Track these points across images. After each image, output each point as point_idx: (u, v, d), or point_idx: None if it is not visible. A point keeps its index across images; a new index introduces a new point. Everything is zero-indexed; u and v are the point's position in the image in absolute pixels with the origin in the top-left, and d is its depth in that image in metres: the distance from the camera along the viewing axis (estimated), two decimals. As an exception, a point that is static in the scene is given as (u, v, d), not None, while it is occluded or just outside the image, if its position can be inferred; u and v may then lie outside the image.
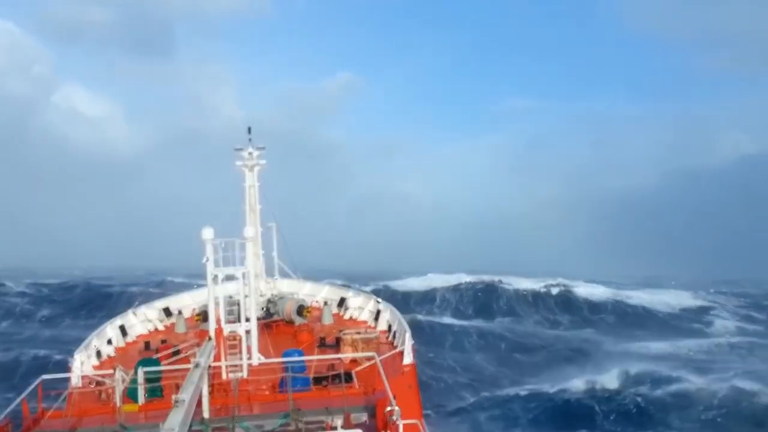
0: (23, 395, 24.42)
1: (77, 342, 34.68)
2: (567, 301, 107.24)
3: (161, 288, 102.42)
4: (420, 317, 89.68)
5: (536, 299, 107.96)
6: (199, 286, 39.11)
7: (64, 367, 31.32)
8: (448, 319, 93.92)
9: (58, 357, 56.66)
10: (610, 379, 54.94)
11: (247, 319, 29.84)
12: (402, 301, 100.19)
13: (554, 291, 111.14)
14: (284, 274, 42.82)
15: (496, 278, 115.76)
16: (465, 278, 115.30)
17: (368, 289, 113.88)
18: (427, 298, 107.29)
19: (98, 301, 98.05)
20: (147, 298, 42.36)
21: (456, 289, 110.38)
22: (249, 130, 39.64)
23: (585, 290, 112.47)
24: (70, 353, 32.49)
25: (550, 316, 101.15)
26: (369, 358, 30.12)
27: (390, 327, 36.02)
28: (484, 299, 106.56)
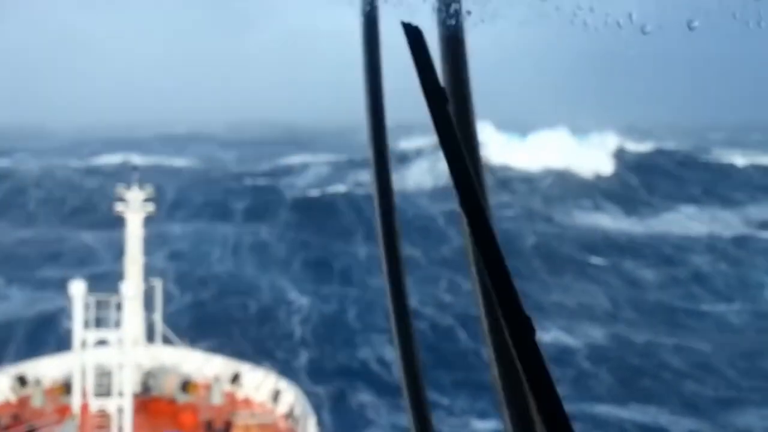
0: None
1: None
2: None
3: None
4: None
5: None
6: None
7: None
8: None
9: None
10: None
11: (121, 394, 28.58)
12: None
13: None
14: (168, 342, 41.10)
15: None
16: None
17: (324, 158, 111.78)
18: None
19: None
20: None
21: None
22: (134, 167, 38.36)
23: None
24: None
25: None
26: None
27: (292, 410, 34.60)
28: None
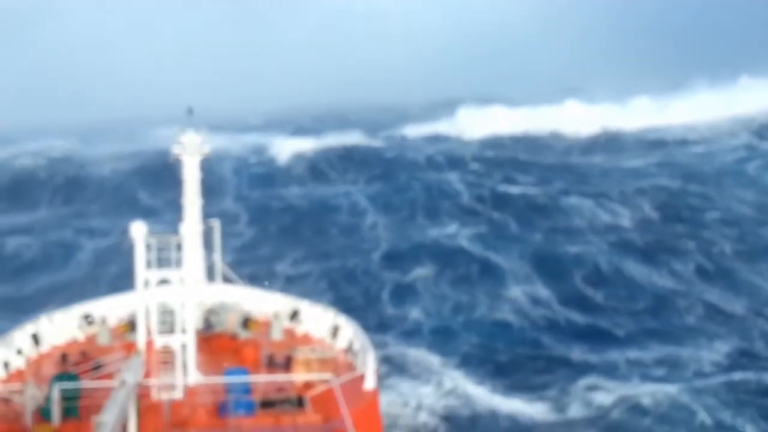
0: None
1: None
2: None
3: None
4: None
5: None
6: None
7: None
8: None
9: None
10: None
11: (184, 331, 29.67)
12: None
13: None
14: (228, 280, 42.34)
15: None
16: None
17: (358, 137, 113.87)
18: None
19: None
20: (63, 301, 41.41)
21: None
22: (190, 110, 39.14)
23: None
24: None
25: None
26: (325, 381, 30.22)
27: (351, 345, 35.75)
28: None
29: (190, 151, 38.95)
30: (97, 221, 78.86)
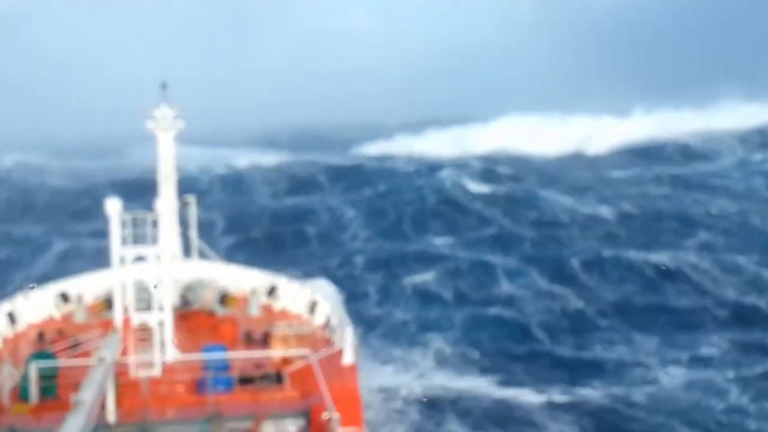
0: None
1: None
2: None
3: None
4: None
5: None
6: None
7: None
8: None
9: None
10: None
11: (161, 308, 29.78)
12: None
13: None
14: (204, 257, 42.45)
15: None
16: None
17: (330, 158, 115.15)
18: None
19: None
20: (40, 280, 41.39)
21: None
22: (163, 85, 39.02)
23: None
24: None
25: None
26: (303, 357, 30.45)
27: (328, 321, 35.97)
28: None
29: (164, 126, 38.90)
30: (65, 226, 79.68)
